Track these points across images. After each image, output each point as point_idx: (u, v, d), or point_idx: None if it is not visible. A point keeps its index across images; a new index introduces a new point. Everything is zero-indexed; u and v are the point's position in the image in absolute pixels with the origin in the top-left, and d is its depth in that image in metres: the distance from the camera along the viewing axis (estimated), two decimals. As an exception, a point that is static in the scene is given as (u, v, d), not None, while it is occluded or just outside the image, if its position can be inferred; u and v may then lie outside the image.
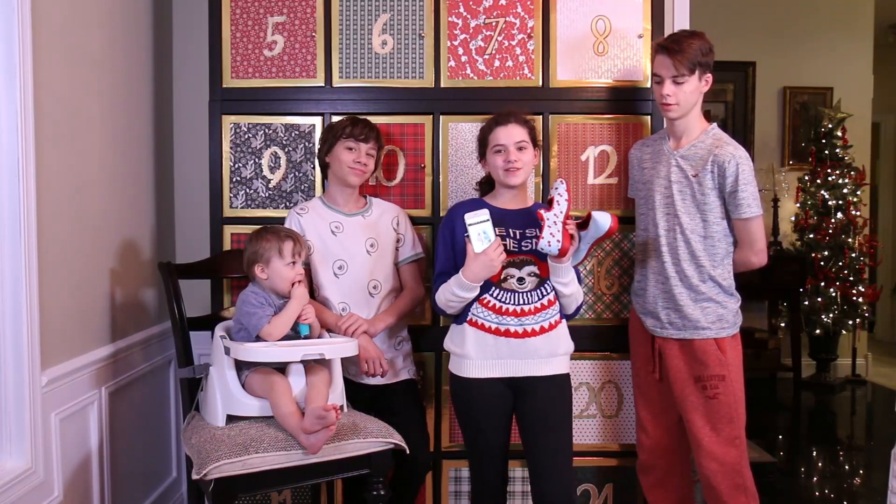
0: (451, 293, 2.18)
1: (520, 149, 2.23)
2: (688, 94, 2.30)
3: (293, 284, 2.15)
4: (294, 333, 2.16)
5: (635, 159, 2.53)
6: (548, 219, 2.12)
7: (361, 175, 2.43)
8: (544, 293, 2.23)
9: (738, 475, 2.32)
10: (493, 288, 2.21)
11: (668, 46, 2.30)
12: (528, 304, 2.20)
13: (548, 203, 2.18)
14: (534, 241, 2.19)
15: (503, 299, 2.20)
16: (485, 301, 2.21)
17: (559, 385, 2.25)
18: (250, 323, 2.10)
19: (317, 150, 2.53)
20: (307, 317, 2.16)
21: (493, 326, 2.20)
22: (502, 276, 2.20)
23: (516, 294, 2.21)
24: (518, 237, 2.23)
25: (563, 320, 2.28)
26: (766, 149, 5.58)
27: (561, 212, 2.13)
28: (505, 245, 2.17)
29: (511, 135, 2.23)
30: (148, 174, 2.82)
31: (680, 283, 2.34)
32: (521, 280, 2.21)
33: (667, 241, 2.35)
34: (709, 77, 2.33)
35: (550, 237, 2.10)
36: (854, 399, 5.34)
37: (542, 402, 2.22)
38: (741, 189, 2.26)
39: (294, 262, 2.17)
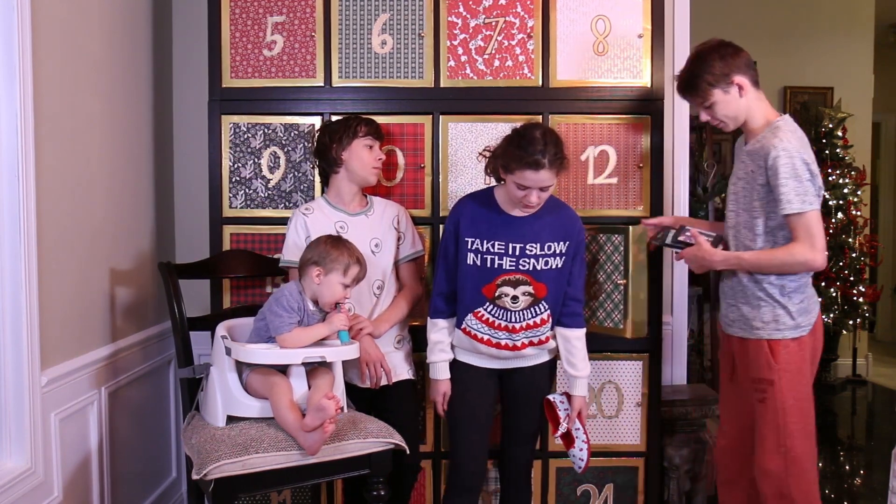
0: (430, 350, 2.34)
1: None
2: (725, 110, 2.24)
3: (336, 305, 2.14)
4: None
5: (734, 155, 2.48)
6: (577, 437, 2.34)
7: (378, 173, 2.45)
8: (537, 312, 2.26)
9: (782, 485, 2.19)
10: (488, 303, 2.24)
11: (678, 89, 2.29)
12: (521, 321, 2.26)
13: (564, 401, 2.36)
14: (532, 260, 2.22)
15: (496, 315, 2.25)
16: (479, 314, 2.26)
17: (542, 370, 2.37)
18: (273, 323, 2.10)
19: (325, 146, 2.41)
20: (345, 324, 2.13)
21: (485, 338, 2.27)
22: (496, 294, 2.23)
23: (509, 312, 2.24)
24: (517, 253, 2.22)
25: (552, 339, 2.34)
26: (766, 148, 5.57)
27: (577, 428, 2.34)
28: (501, 263, 2.21)
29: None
30: (148, 174, 2.82)
31: (740, 280, 2.27)
32: (514, 299, 2.23)
33: (732, 236, 2.31)
34: (737, 83, 2.22)
35: (580, 461, 2.34)
36: (854, 399, 5.34)
37: (526, 385, 2.35)
38: (780, 183, 2.12)
39: (348, 286, 2.15)
